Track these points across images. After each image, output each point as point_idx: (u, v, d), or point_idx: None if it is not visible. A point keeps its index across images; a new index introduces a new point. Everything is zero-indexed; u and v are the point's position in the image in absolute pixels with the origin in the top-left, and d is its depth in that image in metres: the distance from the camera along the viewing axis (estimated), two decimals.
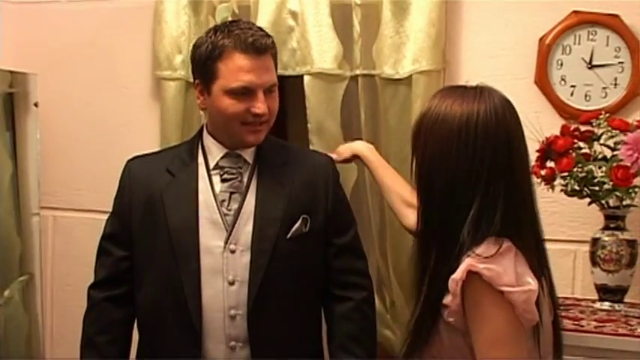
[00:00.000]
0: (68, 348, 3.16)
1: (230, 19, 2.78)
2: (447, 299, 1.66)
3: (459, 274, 1.63)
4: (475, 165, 1.67)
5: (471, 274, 1.61)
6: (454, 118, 1.69)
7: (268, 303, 2.06)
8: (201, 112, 2.83)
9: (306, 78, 2.72)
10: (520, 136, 1.74)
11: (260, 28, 2.12)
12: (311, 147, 2.69)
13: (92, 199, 3.14)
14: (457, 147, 1.68)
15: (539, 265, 1.71)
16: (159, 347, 2.13)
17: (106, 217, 3.04)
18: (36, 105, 2.98)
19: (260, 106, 2.05)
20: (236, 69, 2.04)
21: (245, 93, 2.05)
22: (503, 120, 1.70)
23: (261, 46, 2.05)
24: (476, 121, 1.67)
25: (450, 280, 1.64)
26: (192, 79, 2.79)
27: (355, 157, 2.40)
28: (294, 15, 2.76)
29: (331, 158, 2.30)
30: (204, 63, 2.08)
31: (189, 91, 2.88)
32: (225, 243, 2.08)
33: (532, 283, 1.62)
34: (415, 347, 1.75)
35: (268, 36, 2.10)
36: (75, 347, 3.08)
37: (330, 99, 2.75)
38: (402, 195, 2.25)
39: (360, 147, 2.41)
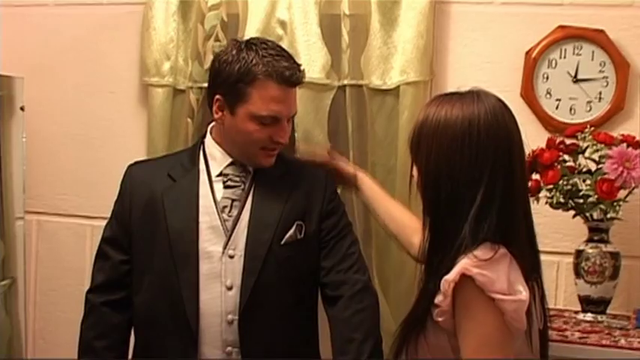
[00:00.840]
0: (50, 352, 3.17)
1: (219, 27, 2.79)
2: (438, 298, 1.67)
3: (452, 275, 1.64)
4: (478, 166, 1.69)
5: (465, 277, 1.62)
6: (456, 122, 1.71)
7: (261, 308, 2.08)
8: (188, 120, 2.86)
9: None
10: (518, 137, 1.76)
11: (290, 56, 2.15)
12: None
13: (77, 204, 3.13)
14: (461, 151, 1.70)
15: (532, 270, 1.73)
16: (155, 351, 2.14)
17: (90, 222, 3.10)
18: (22, 109, 2.97)
19: (284, 135, 2.12)
20: (268, 98, 2.07)
21: (271, 121, 2.08)
22: (502, 120, 1.73)
23: (296, 80, 2.11)
24: (478, 123, 1.70)
25: (442, 281, 1.65)
26: (179, 86, 2.86)
27: (354, 180, 2.39)
28: (282, 24, 2.77)
29: (329, 170, 2.33)
30: (233, 84, 2.08)
31: (176, 97, 2.88)
32: (224, 248, 2.10)
33: (523, 293, 1.63)
34: (402, 343, 1.76)
35: (300, 68, 2.13)
36: (56, 351, 3.11)
37: (318, 108, 2.76)
38: (410, 225, 2.22)
39: (363, 174, 2.42)
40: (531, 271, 1.71)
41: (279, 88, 2.07)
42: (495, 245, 1.65)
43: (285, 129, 2.13)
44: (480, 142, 1.69)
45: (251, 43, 2.13)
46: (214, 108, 2.14)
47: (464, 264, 1.63)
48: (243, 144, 2.13)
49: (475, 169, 1.68)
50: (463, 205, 1.69)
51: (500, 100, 1.77)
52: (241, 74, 2.07)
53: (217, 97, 2.13)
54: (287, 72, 2.07)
